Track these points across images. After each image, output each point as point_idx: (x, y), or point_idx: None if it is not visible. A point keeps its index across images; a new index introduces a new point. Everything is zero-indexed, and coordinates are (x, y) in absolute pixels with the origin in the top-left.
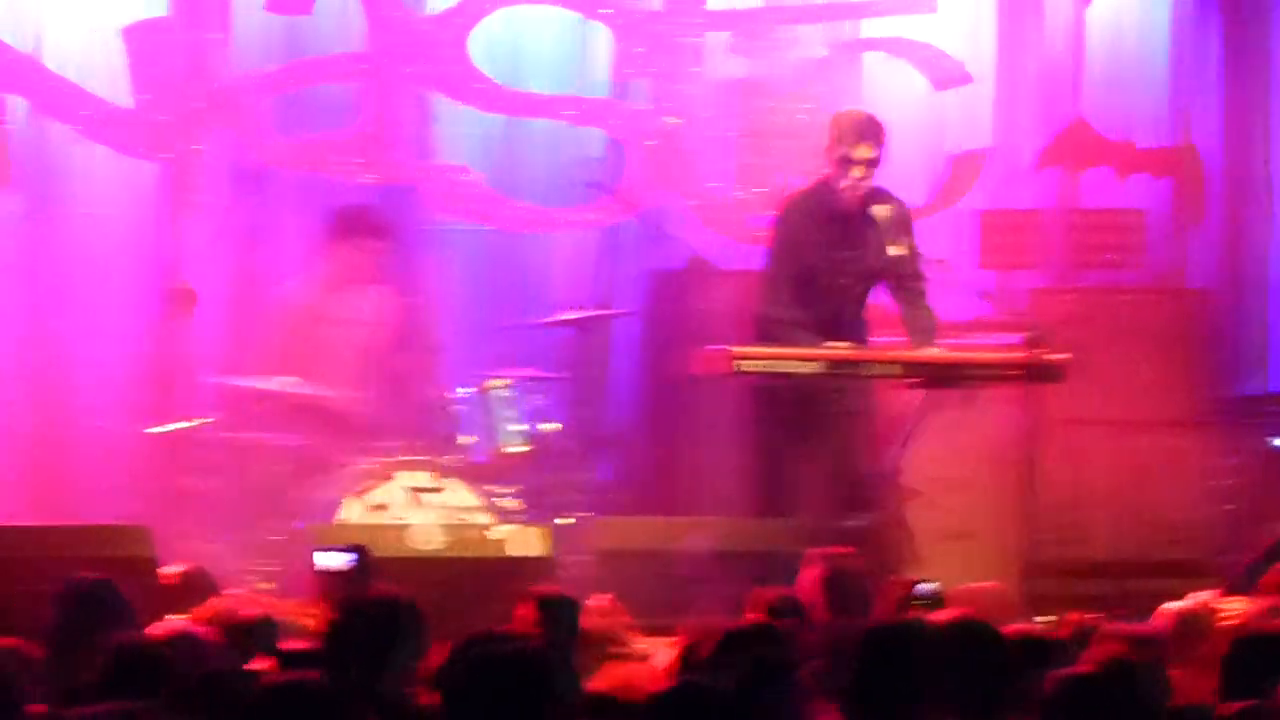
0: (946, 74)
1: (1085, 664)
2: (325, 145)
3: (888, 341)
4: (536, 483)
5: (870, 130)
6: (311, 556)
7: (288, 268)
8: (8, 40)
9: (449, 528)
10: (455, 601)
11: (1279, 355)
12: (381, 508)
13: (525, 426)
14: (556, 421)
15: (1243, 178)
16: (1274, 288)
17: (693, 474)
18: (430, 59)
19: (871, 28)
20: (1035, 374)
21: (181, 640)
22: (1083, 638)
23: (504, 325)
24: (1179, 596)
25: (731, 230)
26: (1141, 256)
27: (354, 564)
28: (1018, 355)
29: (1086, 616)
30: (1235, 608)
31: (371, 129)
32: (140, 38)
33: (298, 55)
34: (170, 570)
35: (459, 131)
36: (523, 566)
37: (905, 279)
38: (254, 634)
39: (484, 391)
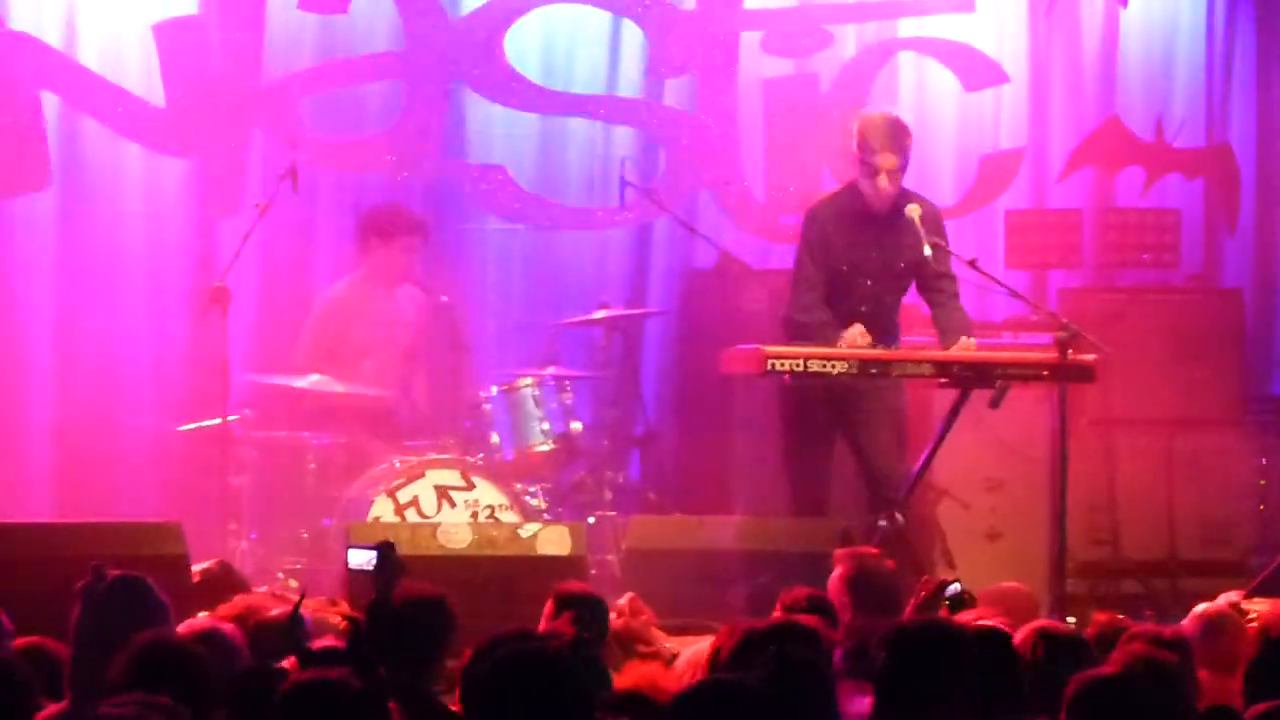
0: (980, 74)
1: (1112, 665)
2: (359, 144)
3: (920, 341)
4: (567, 481)
5: (894, 137)
6: (341, 554)
7: (322, 267)
8: (42, 37)
9: (479, 526)
10: (485, 600)
11: None
12: (412, 506)
13: (556, 425)
14: (587, 420)
15: (1276, 178)
16: None
17: (723, 473)
18: (464, 58)
19: (906, 27)
20: (1066, 374)
21: (208, 638)
22: (1111, 638)
23: (536, 324)
24: (1210, 597)
25: (764, 230)
26: (1175, 256)
27: (383, 562)
28: (1049, 355)
29: (1115, 617)
30: (1262, 609)
31: (406, 128)
32: (172, 35)
33: (331, 54)
34: (199, 567)
35: (493, 131)
36: (553, 565)
37: (935, 280)
38: (282, 632)
39: (515, 390)
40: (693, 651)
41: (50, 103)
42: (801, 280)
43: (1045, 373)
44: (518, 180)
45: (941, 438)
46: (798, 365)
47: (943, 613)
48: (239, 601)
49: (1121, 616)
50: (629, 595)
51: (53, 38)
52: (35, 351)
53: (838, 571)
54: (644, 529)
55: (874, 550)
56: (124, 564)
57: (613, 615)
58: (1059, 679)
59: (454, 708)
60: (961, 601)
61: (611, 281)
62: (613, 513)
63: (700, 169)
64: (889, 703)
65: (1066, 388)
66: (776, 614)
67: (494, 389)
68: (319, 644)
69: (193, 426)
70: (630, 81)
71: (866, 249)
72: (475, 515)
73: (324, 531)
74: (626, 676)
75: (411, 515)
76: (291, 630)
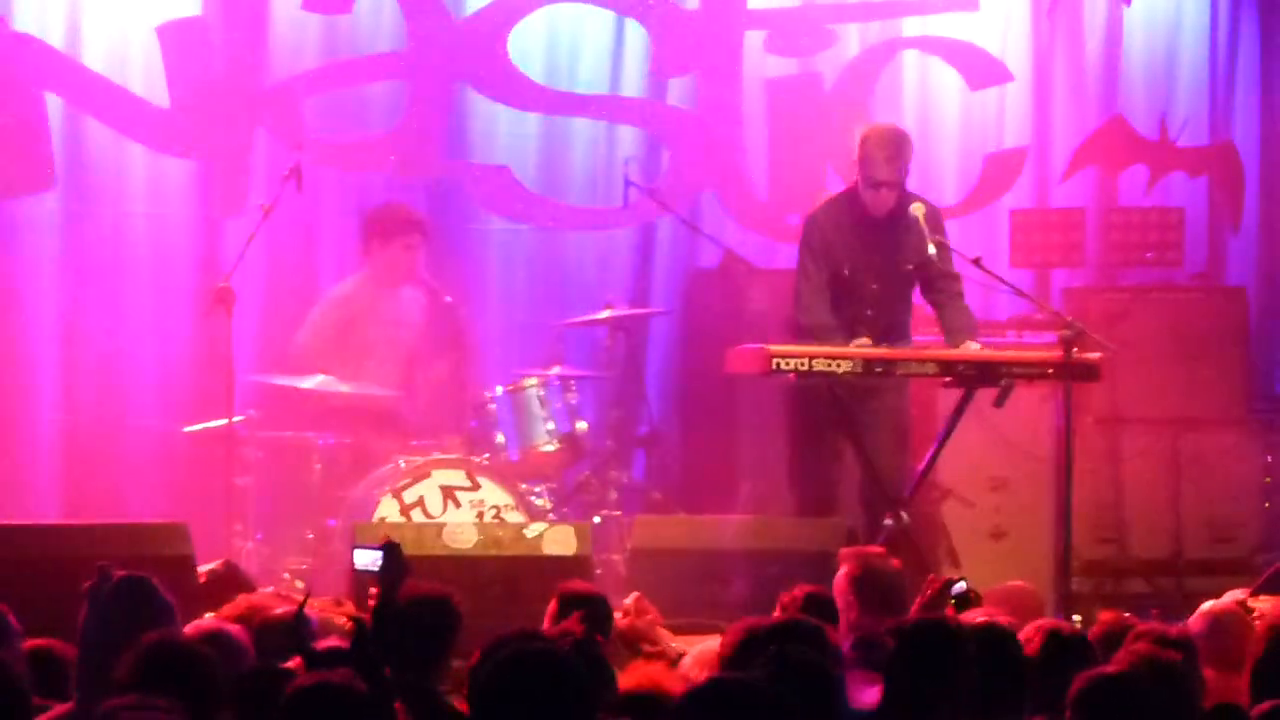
0: (983, 73)
1: (1117, 663)
2: (363, 145)
3: (925, 341)
4: (572, 481)
5: (894, 151)
6: (346, 554)
7: (326, 267)
8: (45, 38)
9: (485, 526)
10: (490, 600)
11: None
12: (417, 506)
13: (561, 425)
14: (592, 420)
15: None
16: None
17: (728, 472)
18: (468, 58)
19: (910, 26)
20: (1071, 373)
21: (214, 639)
22: (1117, 637)
23: (540, 324)
24: (1216, 596)
25: (767, 229)
26: (1179, 255)
27: (389, 562)
28: (1053, 354)
29: (1121, 616)
30: (1267, 607)
31: (409, 128)
32: (176, 36)
33: (335, 54)
34: (205, 568)
35: (496, 131)
36: (558, 565)
37: (939, 279)
38: (287, 632)
39: (520, 390)
40: (699, 651)
41: (54, 104)
42: (804, 282)
43: (1050, 371)
44: (521, 180)
45: (946, 437)
46: (802, 365)
47: (948, 611)
48: (244, 601)
49: (1127, 615)
50: (634, 595)
51: (56, 39)
52: (40, 353)
53: (843, 571)
54: (649, 529)
55: (879, 549)
56: (130, 564)
57: (618, 615)
58: (1062, 677)
59: (461, 707)
60: (967, 600)
61: (615, 281)
62: (618, 512)
63: (704, 169)
64: (894, 701)
65: (1071, 386)
66: (777, 612)
67: (499, 389)
68: (325, 644)
69: (198, 427)
70: (634, 81)
71: (869, 251)
72: (481, 515)
73: (329, 532)
74: (631, 677)
75: (417, 515)
76: (296, 631)
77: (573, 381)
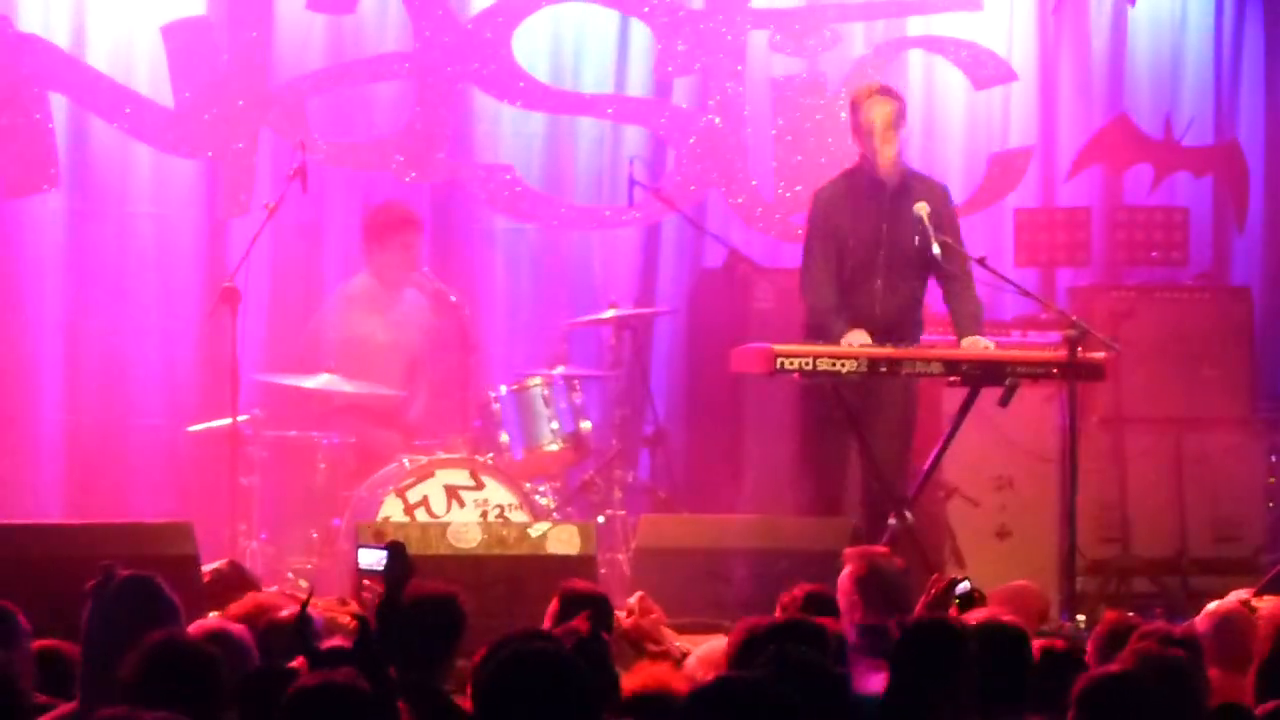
0: (988, 72)
1: (1122, 663)
2: (368, 145)
3: (932, 340)
4: (576, 481)
5: (881, 90)
6: (351, 553)
7: (331, 267)
8: (50, 38)
9: (489, 525)
10: (495, 599)
11: None
12: (421, 505)
13: (565, 425)
14: (597, 419)
15: None
16: None
17: (733, 472)
18: (473, 58)
19: (915, 26)
20: (1076, 372)
21: (217, 638)
22: (1121, 637)
23: (545, 323)
24: (1221, 595)
25: (773, 228)
26: (1183, 254)
27: (393, 562)
28: (1058, 353)
29: (1125, 615)
30: (1271, 607)
31: (414, 128)
32: (181, 36)
33: (340, 54)
34: (210, 567)
35: (501, 130)
36: (563, 564)
37: (948, 262)
38: (291, 632)
39: (524, 390)
40: (704, 650)
41: (59, 103)
42: (809, 259)
43: (1055, 371)
44: (526, 180)
45: (951, 436)
46: (806, 364)
47: (952, 611)
48: (251, 600)
49: (1132, 615)
50: (639, 594)
51: (61, 39)
52: (45, 352)
53: (847, 570)
54: (654, 528)
55: (883, 549)
56: (134, 564)
57: (623, 614)
58: (1065, 679)
59: (465, 706)
60: (971, 600)
61: (620, 281)
62: (622, 512)
63: (709, 168)
64: (898, 700)
65: (1076, 386)
66: (780, 612)
67: (503, 388)
68: (329, 644)
69: (202, 427)
70: (639, 81)
71: (876, 222)
72: (485, 515)
73: (334, 531)
74: (638, 677)
75: (421, 515)
76: (300, 630)
77: (577, 381)
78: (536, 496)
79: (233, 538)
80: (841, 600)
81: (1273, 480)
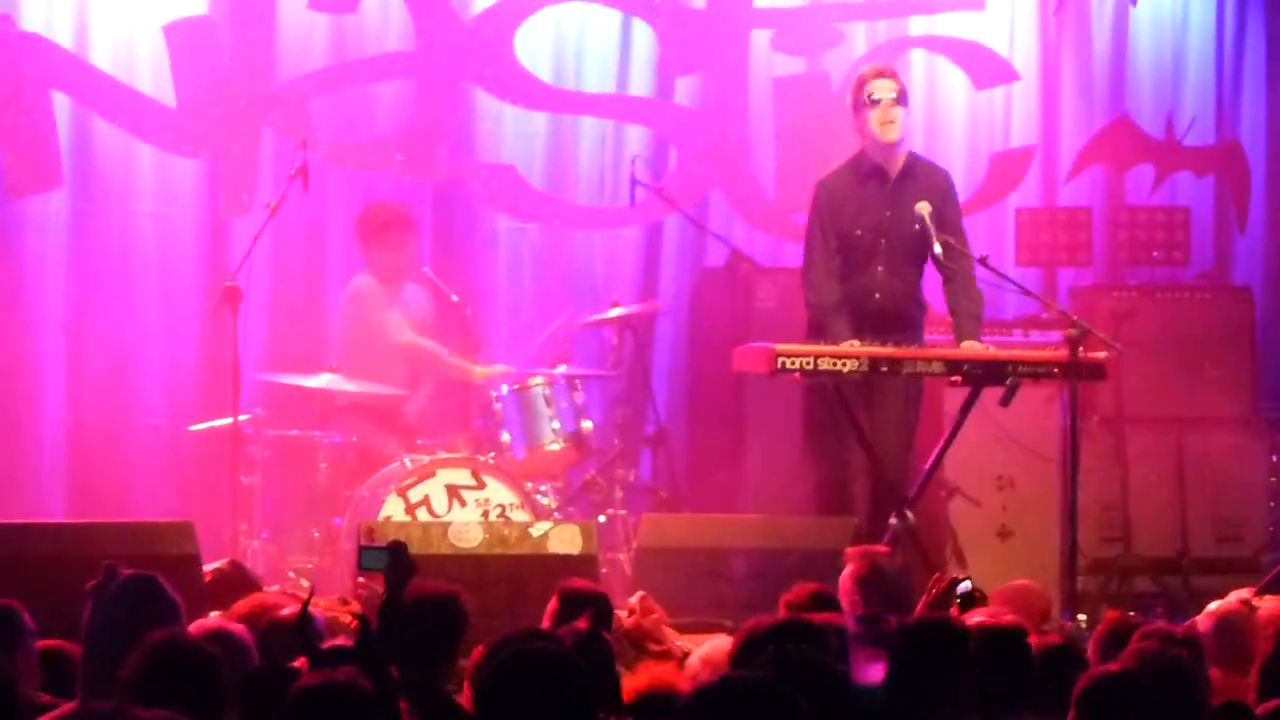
0: (990, 72)
1: (1122, 662)
2: (370, 144)
3: (938, 340)
4: (578, 480)
5: (882, 70)
6: (353, 553)
7: (333, 266)
8: (53, 37)
9: (490, 525)
10: (496, 599)
11: None
12: (423, 505)
13: (567, 424)
14: (599, 419)
15: None
16: None
17: (735, 471)
18: (475, 58)
19: (916, 25)
20: (1077, 372)
21: (218, 638)
22: (1123, 636)
23: (547, 323)
24: (1222, 595)
25: (775, 228)
26: (1185, 254)
27: (395, 561)
28: (1059, 353)
29: (1127, 615)
30: (1272, 607)
31: (416, 128)
32: (183, 35)
33: (342, 54)
34: (211, 567)
35: (503, 130)
36: (564, 564)
37: (950, 261)
38: (293, 632)
39: (526, 389)
40: (706, 650)
41: (61, 103)
42: (810, 255)
43: (1056, 370)
44: (528, 179)
45: (952, 435)
46: (807, 363)
47: (953, 611)
48: (254, 600)
49: (1133, 614)
50: (640, 594)
51: (64, 38)
52: (46, 352)
53: (849, 570)
54: (655, 527)
55: (885, 548)
56: (136, 563)
57: (624, 614)
58: (1066, 678)
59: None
60: (972, 599)
61: (622, 280)
62: (624, 511)
63: (711, 167)
64: (898, 699)
65: (1077, 386)
66: (782, 611)
67: (505, 388)
68: (331, 644)
69: (204, 426)
70: (641, 80)
71: (879, 208)
72: (486, 514)
73: (335, 531)
74: (642, 677)
75: (422, 514)
76: (301, 630)
77: (579, 380)
78: (538, 496)
79: (234, 537)
80: (843, 600)
81: (1274, 480)
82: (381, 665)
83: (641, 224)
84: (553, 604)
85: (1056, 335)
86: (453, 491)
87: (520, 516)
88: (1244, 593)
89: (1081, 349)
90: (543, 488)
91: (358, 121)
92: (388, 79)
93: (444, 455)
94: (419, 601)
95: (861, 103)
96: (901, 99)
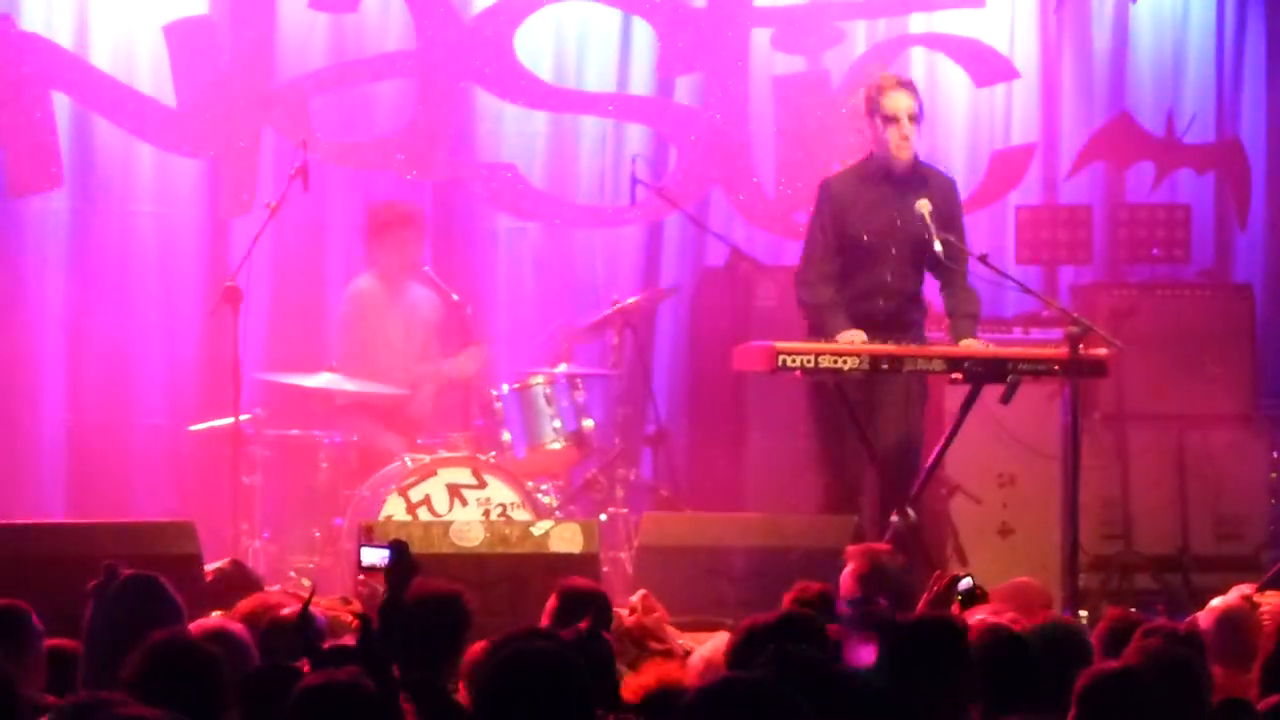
0: (990, 69)
1: (1124, 660)
2: (370, 144)
3: (938, 338)
4: (579, 479)
5: (904, 81)
6: (354, 552)
7: (333, 266)
8: (53, 37)
9: (491, 524)
10: (498, 598)
11: None
12: (424, 504)
13: (567, 423)
14: (599, 418)
15: None
16: None
17: (735, 469)
18: (476, 57)
19: (917, 23)
20: (1078, 369)
21: (218, 637)
22: (1124, 633)
23: (547, 321)
24: (1223, 592)
25: (776, 226)
26: (1185, 251)
27: (396, 561)
28: (1060, 351)
29: (1128, 612)
30: (1274, 603)
31: (417, 127)
32: (182, 35)
33: (342, 53)
34: (212, 566)
35: (504, 129)
36: (565, 562)
37: (950, 259)
38: (294, 631)
39: (526, 388)
40: (707, 648)
41: (61, 103)
42: (809, 254)
43: (1056, 368)
44: (529, 178)
45: (953, 433)
46: (808, 361)
47: (954, 608)
48: (256, 599)
49: (1134, 611)
50: (641, 592)
51: (64, 38)
52: (47, 352)
53: (850, 568)
54: (656, 526)
55: (886, 546)
56: (137, 563)
57: (625, 612)
58: (1067, 675)
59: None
60: (973, 597)
61: (623, 279)
62: (625, 510)
63: (711, 166)
64: (897, 697)
65: (1078, 383)
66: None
67: (505, 387)
68: (334, 644)
69: (204, 426)
70: (641, 79)
71: (888, 214)
72: (487, 513)
73: (336, 530)
74: (646, 675)
75: (423, 514)
76: (302, 629)
77: (580, 379)
78: (539, 495)
79: (235, 537)
80: (844, 597)
81: (1274, 477)
82: (383, 665)
83: (642, 223)
84: (551, 602)
85: (1057, 333)
86: (454, 491)
87: (521, 515)
88: (1245, 589)
89: (1082, 346)
90: (544, 486)
91: (358, 121)
92: (388, 78)
93: (445, 454)
94: (422, 601)
95: (878, 113)
96: (918, 116)
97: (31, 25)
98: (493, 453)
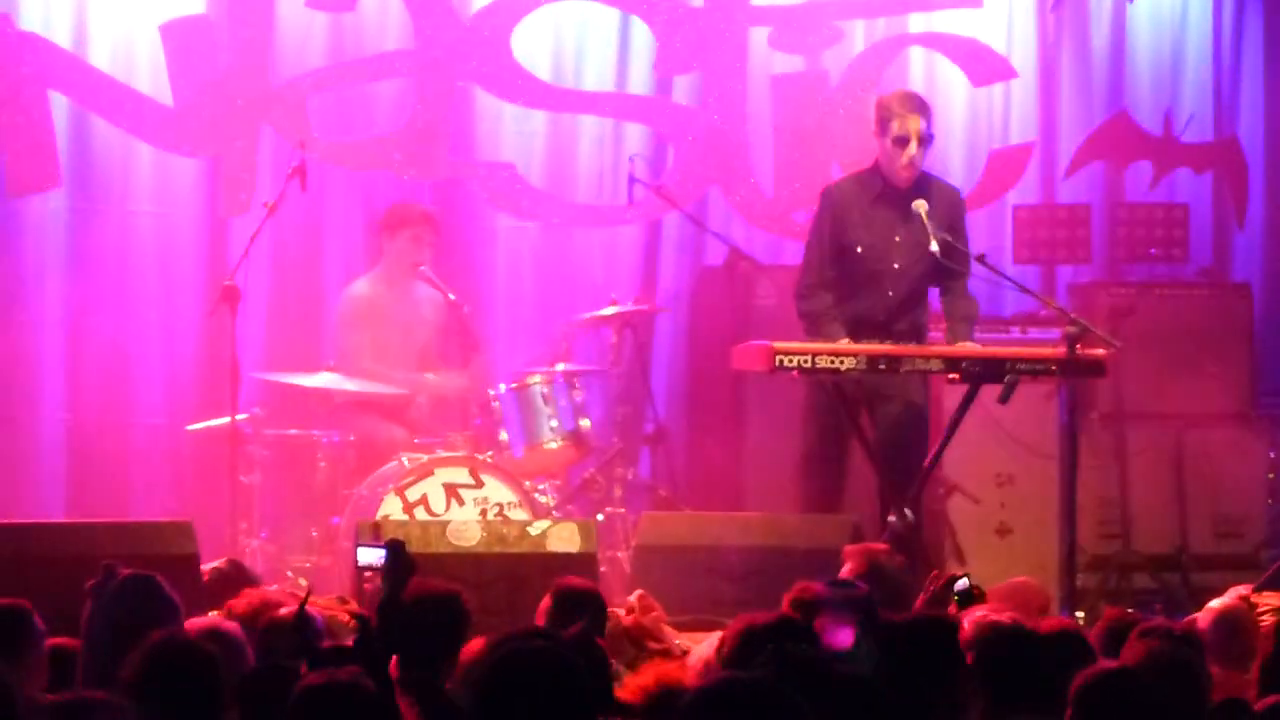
0: (988, 69)
1: (1121, 660)
2: (369, 143)
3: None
4: (576, 478)
5: (919, 103)
6: (351, 552)
7: (331, 265)
8: (51, 37)
9: (489, 524)
10: (495, 597)
11: None
12: (421, 504)
13: (565, 422)
14: (597, 417)
15: None
16: None
17: (734, 469)
18: (474, 56)
19: (915, 23)
20: (1075, 369)
21: (213, 636)
22: (1121, 633)
23: (546, 321)
24: (1221, 592)
25: (774, 225)
26: (1184, 251)
27: (393, 560)
28: (1058, 350)
29: (1126, 612)
30: (1273, 604)
31: (415, 126)
32: (180, 35)
33: (340, 52)
34: (210, 566)
35: (502, 128)
36: (563, 562)
37: (948, 259)
38: (291, 631)
39: (524, 387)
40: (705, 648)
41: (60, 103)
42: (807, 262)
43: (1054, 368)
44: (527, 178)
45: (951, 432)
46: (806, 361)
47: (952, 608)
48: (254, 596)
49: (1132, 611)
50: (639, 592)
51: (62, 38)
52: (45, 351)
53: (848, 567)
54: (654, 525)
55: (883, 546)
56: (135, 563)
57: (623, 612)
58: (1066, 675)
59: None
60: (971, 596)
61: (621, 278)
62: (623, 509)
63: (709, 166)
64: (894, 697)
65: (1076, 383)
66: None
67: (503, 386)
68: (329, 643)
69: (203, 425)
70: (639, 79)
71: (889, 229)
72: (485, 513)
73: (334, 530)
74: (647, 674)
75: (420, 513)
76: (299, 629)
77: (577, 378)
78: (536, 494)
79: (233, 536)
80: None
81: (1272, 476)
82: (381, 664)
83: (640, 222)
84: (546, 602)
85: (1055, 332)
86: (451, 490)
87: (519, 515)
88: (1243, 589)
89: (1080, 346)
90: (541, 486)
91: (356, 120)
92: (386, 78)
93: (442, 454)
94: (420, 600)
95: (888, 133)
96: (928, 139)
97: (29, 25)
98: (490, 452)
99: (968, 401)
